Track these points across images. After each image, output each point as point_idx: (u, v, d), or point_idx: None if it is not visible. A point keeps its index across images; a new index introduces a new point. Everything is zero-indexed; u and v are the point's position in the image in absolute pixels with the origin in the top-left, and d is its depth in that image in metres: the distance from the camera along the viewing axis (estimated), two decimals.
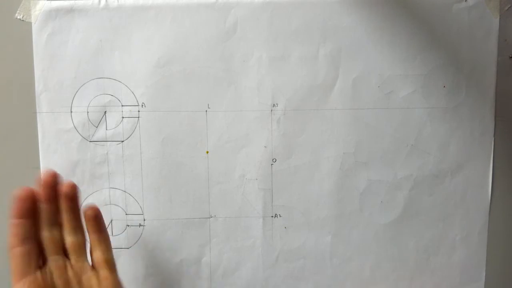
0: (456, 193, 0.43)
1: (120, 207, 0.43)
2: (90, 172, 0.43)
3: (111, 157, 0.43)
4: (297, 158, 0.43)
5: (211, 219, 0.43)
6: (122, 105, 0.42)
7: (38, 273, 0.34)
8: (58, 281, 0.34)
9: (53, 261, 0.35)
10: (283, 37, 0.41)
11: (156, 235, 0.44)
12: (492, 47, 0.41)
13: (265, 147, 0.43)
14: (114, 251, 0.43)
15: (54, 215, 0.36)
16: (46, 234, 0.35)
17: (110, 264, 0.36)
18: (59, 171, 0.42)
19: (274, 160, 0.43)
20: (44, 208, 0.35)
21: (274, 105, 0.42)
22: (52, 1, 0.41)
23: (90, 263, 0.37)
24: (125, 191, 0.43)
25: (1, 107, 0.42)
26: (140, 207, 0.43)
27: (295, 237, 0.44)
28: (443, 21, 0.41)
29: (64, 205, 0.36)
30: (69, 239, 0.36)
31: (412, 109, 0.42)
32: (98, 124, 0.42)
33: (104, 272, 0.36)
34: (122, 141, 0.43)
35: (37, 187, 0.35)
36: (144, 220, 0.43)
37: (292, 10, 0.41)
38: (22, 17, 0.41)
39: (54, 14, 0.41)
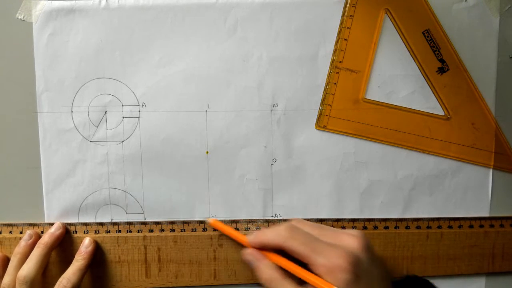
0: (456, 193, 0.43)
1: (121, 206, 0.43)
2: (90, 172, 0.43)
3: (111, 157, 0.43)
4: (297, 158, 0.43)
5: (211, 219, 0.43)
6: (122, 105, 0.42)
7: None
8: None
9: None
10: (283, 37, 0.41)
11: None
12: (492, 47, 0.42)
13: (265, 147, 0.43)
14: None
15: None
16: None
17: None
18: (59, 170, 0.43)
19: (274, 160, 0.43)
20: None
21: (274, 105, 0.42)
22: (53, 1, 0.41)
23: None
24: (125, 191, 0.43)
25: (1, 107, 0.42)
26: (141, 206, 0.43)
27: None
28: (443, 21, 0.41)
29: None
30: None
31: (412, 109, 0.42)
32: (99, 124, 0.43)
33: None
34: (123, 141, 0.43)
35: None
36: (145, 219, 0.43)
37: (292, 10, 0.41)
38: (23, 17, 0.41)
39: (55, 14, 0.41)
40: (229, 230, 0.42)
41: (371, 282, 0.33)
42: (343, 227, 0.43)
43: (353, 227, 0.43)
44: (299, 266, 0.35)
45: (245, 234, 0.40)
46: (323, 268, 0.33)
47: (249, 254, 0.38)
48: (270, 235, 0.36)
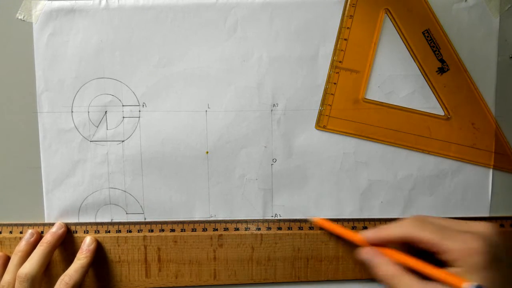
0: (456, 193, 0.43)
1: (121, 206, 0.43)
2: (90, 172, 0.43)
3: (111, 157, 0.43)
4: (297, 158, 0.43)
5: (211, 219, 0.43)
6: (122, 105, 0.42)
7: None
8: None
9: None
10: (283, 37, 0.41)
11: None
12: (492, 47, 0.42)
13: (265, 147, 0.43)
14: None
15: None
16: None
17: None
18: (59, 170, 0.43)
19: (274, 160, 0.43)
20: None
21: (274, 105, 0.42)
22: (53, 1, 0.41)
23: None
24: (125, 191, 0.43)
25: (1, 107, 0.42)
26: (141, 206, 0.43)
27: None
28: (443, 21, 0.41)
29: None
30: None
31: (412, 109, 0.42)
32: (99, 124, 0.43)
33: None
34: (123, 141, 0.43)
35: None
36: (145, 219, 0.43)
37: (292, 10, 0.41)
38: (23, 17, 0.41)
39: (55, 14, 0.41)
40: (339, 229, 0.41)
41: (508, 268, 0.32)
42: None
43: (353, 227, 0.43)
44: (422, 262, 0.34)
45: (355, 233, 0.39)
46: (458, 252, 0.31)
47: (367, 252, 0.37)
48: (393, 229, 0.36)
